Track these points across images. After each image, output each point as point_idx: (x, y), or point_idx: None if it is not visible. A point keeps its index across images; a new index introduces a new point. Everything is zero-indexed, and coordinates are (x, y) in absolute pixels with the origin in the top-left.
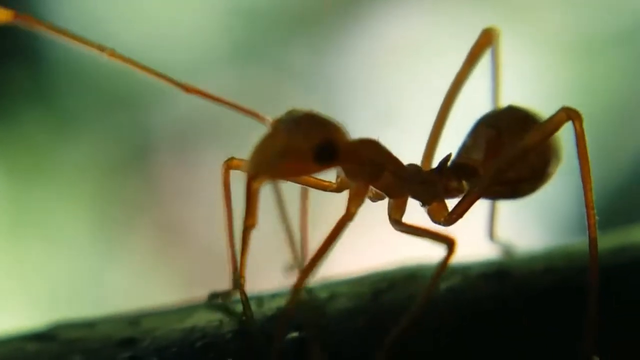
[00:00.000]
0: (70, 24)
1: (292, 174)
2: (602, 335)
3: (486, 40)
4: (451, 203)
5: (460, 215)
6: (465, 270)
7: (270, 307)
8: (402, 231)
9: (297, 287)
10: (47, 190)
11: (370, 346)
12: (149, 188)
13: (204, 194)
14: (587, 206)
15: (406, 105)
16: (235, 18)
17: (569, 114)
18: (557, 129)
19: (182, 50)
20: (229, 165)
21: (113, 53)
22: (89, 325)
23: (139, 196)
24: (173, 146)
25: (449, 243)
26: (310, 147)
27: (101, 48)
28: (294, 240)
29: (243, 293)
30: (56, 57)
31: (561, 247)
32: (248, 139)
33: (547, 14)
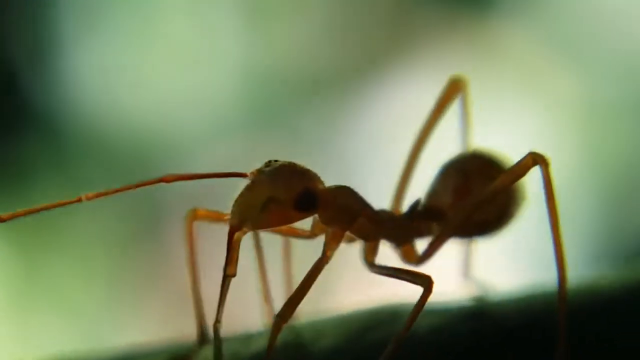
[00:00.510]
0: (81, 87)
1: (273, 224)
2: None
3: (454, 89)
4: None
5: (430, 256)
6: (442, 311)
7: (258, 345)
8: (378, 273)
9: (276, 330)
10: (59, 260)
11: None
12: (161, 258)
13: (214, 263)
14: (555, 246)
15: (420, 170)
16: (247, 84)
17: (536, 159)
18: (524, 173)
19: (195, 115)
20: (194, 216)
21: (87, 196)
22: None
23: (151, 266)
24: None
25: (426, 282)
26: (291, 197)
27: (78, 199)
28: (268, 290)
29: (218, 339)
30: (70, 128)
31: (536, 286)
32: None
33: (557, 80)
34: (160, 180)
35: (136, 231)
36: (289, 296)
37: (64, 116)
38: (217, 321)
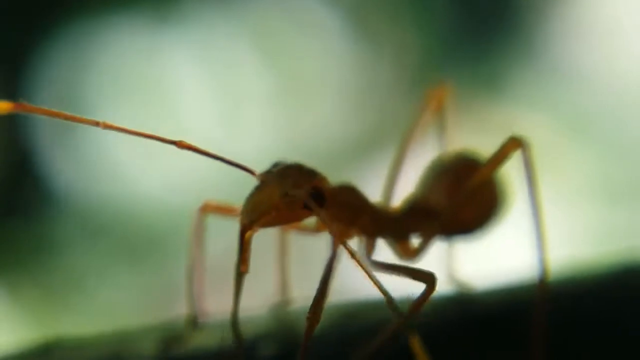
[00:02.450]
0: (97, 167)
1: (282, 222)
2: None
3: (436, 96)
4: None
5: (425, 250)
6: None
7: (255, 330)
8: (379, 270)
9: (309, 331)
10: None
11: None
12: None
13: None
14: (537, 230)
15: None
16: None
17: (517, 142)
18: (507, 157)
19: (216, 195)
20: (204, 208)
21: (106, 124)
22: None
23: None
24: None
25: (430, 279)
26: (299, 196)
27: (95, 122)
28: (287, 284)
29: (238, 335)
30: (84, 208)
31: (522, 275)
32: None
33: (571, 160)
34: (174, 142)
35: (146, 312)
36: (313, 297)
37: (79, 194)
38: (235, 319)
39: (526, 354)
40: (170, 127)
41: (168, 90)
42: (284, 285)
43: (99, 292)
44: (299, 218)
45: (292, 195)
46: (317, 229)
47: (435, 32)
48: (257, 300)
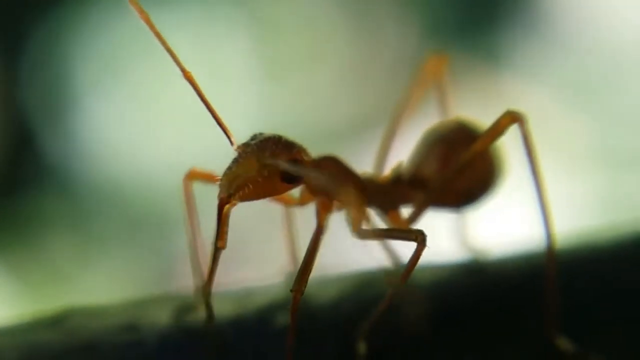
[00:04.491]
0: (96, 142)
1: (261, 195)
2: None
3: (433, 68)
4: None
5: (415, 220)
6: (443, 267)
7: (258, 302)
8: (368, 238)
9: (295, 302)
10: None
11: (354, 332)
12: None
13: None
14: (540, 201)
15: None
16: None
17: (513, 117)
18: (502, 132)
19: (211, 169)
20: (190, 176)
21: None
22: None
23: None
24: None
25: (420, 236)
26: (277, 168)
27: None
28: (295, 255)
29: (209, 307)
30: (84, 182)
31: (533, 243)
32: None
33: (569, 130)
34: (183, 70)
35: (149, 284)
36: (298, 269)
37: (78, 171)
38: (208, 292)
39: (539, 320)
40: (163, 100)
41: (163, 64)
42: (294, 257)
43: (99, 267)
44: (279, 191)
45: (269, 166)
46: (301, 202)
47: (436, 4)
48: (271, 271)
